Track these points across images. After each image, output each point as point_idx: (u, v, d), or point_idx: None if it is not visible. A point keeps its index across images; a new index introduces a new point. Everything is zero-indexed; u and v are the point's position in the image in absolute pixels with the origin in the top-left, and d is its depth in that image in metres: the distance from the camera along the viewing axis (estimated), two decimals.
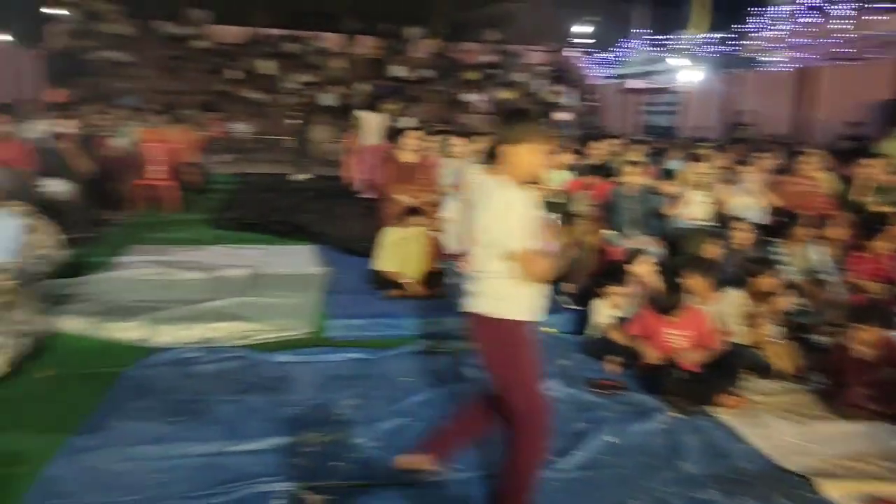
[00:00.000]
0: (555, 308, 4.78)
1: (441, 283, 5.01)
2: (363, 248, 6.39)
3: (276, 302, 4.69)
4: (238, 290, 4.93)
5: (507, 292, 2.36)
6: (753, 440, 3.17)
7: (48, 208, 4.45)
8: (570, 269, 4.82)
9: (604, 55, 23.98)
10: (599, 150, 7.29)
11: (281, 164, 14.98)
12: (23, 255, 3.51)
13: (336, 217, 8.14)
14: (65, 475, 2.58)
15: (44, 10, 22.25)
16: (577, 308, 4.69)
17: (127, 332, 4.04)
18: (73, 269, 4.77)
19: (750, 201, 5.82)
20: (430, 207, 5.49)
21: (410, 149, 5.72)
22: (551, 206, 5.05)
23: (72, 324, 4.07)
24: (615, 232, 5.41)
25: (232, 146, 16.17)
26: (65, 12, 22.54)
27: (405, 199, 5.45)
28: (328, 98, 20.40)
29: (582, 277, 5.08)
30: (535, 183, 2.33)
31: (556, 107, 21.24)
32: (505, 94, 21.53)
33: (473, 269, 2.43)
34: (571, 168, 6.46)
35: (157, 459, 2.73)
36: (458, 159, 6.19)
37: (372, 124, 10.69)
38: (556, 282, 4.97)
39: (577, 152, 7.12)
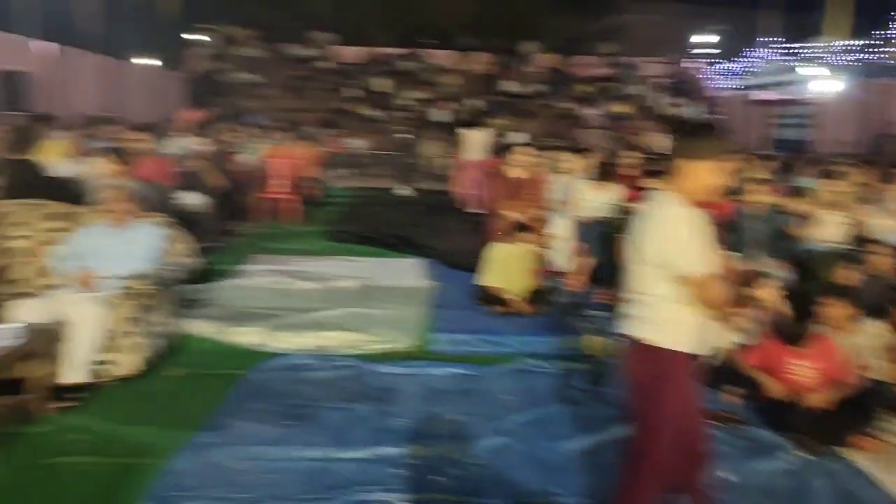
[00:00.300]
0: None
1: (547, 300, 4.95)
2: (469, 263, 6.45)
3: (383, 314, 4.81)
4: (349, 301, 5.11)
5: (671, 318, 2.20)
6: (892, 488, 2.85)
7: (183, 219, 4.84)
8: None
9: (729, 66, 22.76)
10: None
11: (393, 178, 15.47)
12: (161, 262, 3.83)
13: (444, 231, 8.27)
14: (188, 468, 2.77)
15: (187, 36, 24.37)
16: None
17: (247, 336, 4.29)
18: (202, 276, 5.14)
19: (892, 223, 5.30)
20: (537, 224, 5.44)
21: (519, 164, 5.70)
22: None
23: (199, 327, 4.38)
24: (737, 253, 5.09)
25: (348, 161, 16.86)
26: (205, 38, 24.59)
27: (512, 215, 5.43)
28: (440, 114, 20.82)
29: None
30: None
31: (675, 120, 20.43)
32: (620, 108, 21.02)
33: (636, 291, 2.29)
34: None
35: (271, 460, 2.86)
36: (567, 175, 6.10)
37: (474, 140, 10.82)
38: None
39: None
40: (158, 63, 23.34)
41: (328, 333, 4.34)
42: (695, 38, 23.85)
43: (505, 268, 4.88)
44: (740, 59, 21.84)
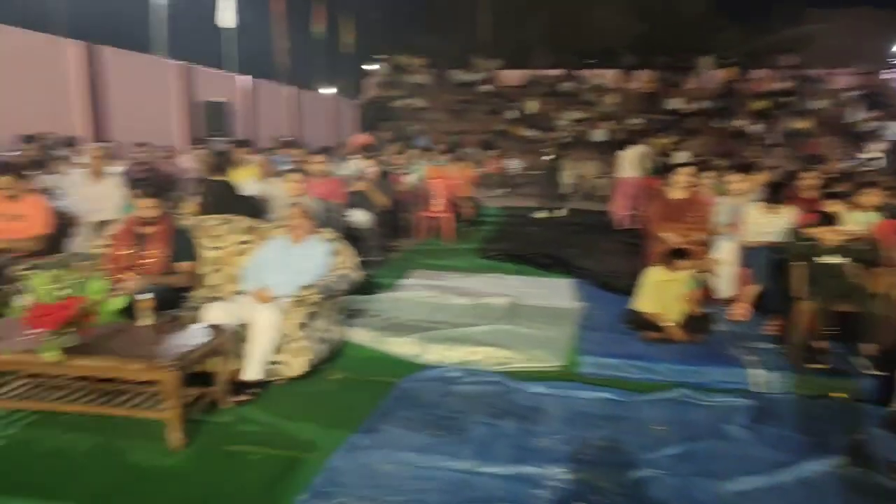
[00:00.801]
0: (848, 370, 4.12)
1: (707, 329, 4.67)
2: (623, 285, 6.26)
3: (532, 332, 4.82)
4: (498, 317, 5.19)
5: None
6: None
7: (350, 235, 5.23)
8: (874, 326, 4.10)
9: None
10: None
11: (546, 199, 15.41)
12: (329, 274, 4.18)
13: (597, 252, 8.11)
14: (343, 467, 2.98)
15: (362, 66, 26.25)
16: (880, 374, 3.97)
17: (402, 347, 4.52)
18: (364, 288, 5.51)
19: None
20: (700, 248, 5.16)
21: (681, 185, 5.46)
22: (853, 253, 4.38)
23: (359, 335, 4.69)
24: None
25: (504, 181, 17.12)
26: (377, 67, 26.32)
27: (672, 238, 5.21)
28: (598, 133, 20.46)
29: (890, 338, 4.30)
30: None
31: (869, 136, 18.34)
32: (799, 124, 19.28)
33: None
34: (881, 209, 5.52)
35: (419, 468, 2.99)
36: (735, 196, 5.73)
37: (631, 158, 10.53)
38: (852, 341, 4.28)
39: (890, 189, 6.06)
40: (335, 91, 25.39)
41: (477, 349, 4.44)
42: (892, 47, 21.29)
43: (662, 293, 4.68)
44: None
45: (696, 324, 4.59)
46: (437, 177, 9.56)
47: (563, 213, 12.05)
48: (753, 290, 5.03)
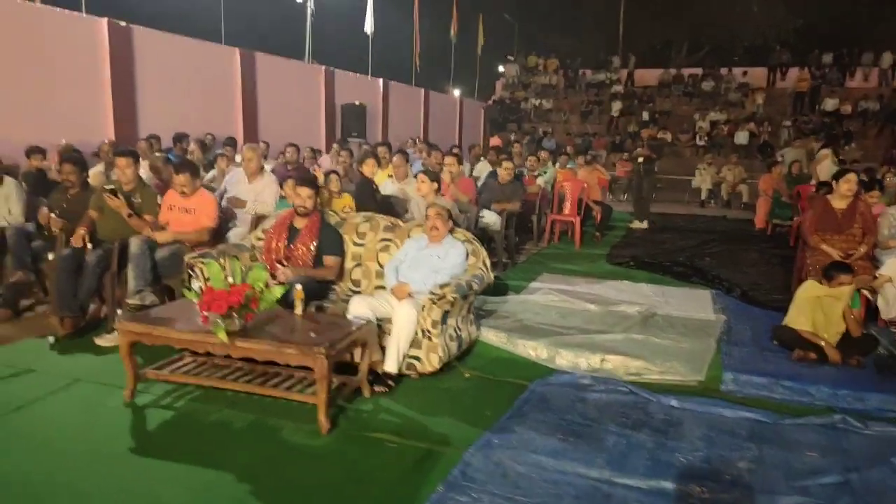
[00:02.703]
0: None
1: (869, 351, 4.27)
2: (767, 298, 5.88)
3: (666, 344, 4.66)
4: (630, 326, 5.06)
5: None
6: None
7: (482, 236, 5.31)
8: None
9: None
10: None
11: (682, 203, 14.71)
12: (463, 274, 4.28)
13: (740, 263, 7.66)
14: (478, 464, 3.04)
15: (494, 67, 26.45)
16: None
17: (532, 350, 4.53)
18: (494, 289, 5.57)
19: None
20: (864, 262, 4.73)
21: (844, 193, 5.02)
22: None
23: (490, 336, 4.76)
24: None
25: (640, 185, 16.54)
26: (506, 68, 26.41)
27: (832, 251, 4.81)
28: (742, 136, 19.26)
29: None
30: None
31: None
32: None
33: None
34: None
35: (551, 471, 2.99)
36: None
37: (785, 163, 9.87)
38: None
39: None
40: (460, 93, 25.77)
41: (610, 356, 4.35)
42: None
43: (818, 309, 4.34)
44: None
45: (857, 345, 4.22)
46: (567, 179, 9.45)
47: (643, 225, 10.66)
48: None
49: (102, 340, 4.47)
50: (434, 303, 3.94)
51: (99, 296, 4.87)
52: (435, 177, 5.72)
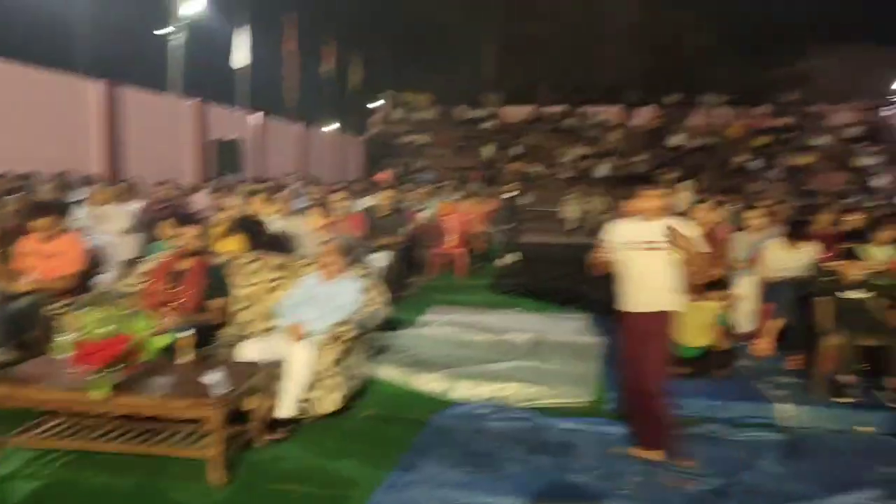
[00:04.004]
0: (872, 405, 4.16)
1: (730, 364, 4.71)
2: None
3: (556, 368, 4.86)
4: (522, 354, 5.23)
5: None
6: None
7: (373, 272, 5.29)
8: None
9: None
10: None
11: (553, 233, 15.50)
12: (360, 311, 4.24)
13: (612, 288, 8.16)
14: None
15: (370, 104, 26.69)
16: None
17: (429, 383, 4.55)
18: (386, 324, 5.56)
19: None
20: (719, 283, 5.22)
21: (699, 221, 5.54)
22: (876, 287, 4.46)
23: (385, 372, 4.73)
24: None
25: (511, 217, 17.25)
26: (382, 104, 26.77)
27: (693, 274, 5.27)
28: (602, 169, 20.71)
29: None
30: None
31: (869, 172, 18.57)
32: (800, 160, 19.55)
33: None
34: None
35: None
36: (752, 232, 5.82)
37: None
38: (878, 375, 4.33)
39: None
40: (339, 127, 25.75)
41: (504, 385, 4.47)
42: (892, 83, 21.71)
43: (687, 320, 4.70)
44: None
45: (720, 359, 4.63)
46: (450, 212, 9.68)
47: (509, 259, 10.20)
48: (776, 325, 5.08)
49: None
50: (333, 341, 3.86)
51: None
52: (326, 212, 5.65)
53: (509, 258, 10.09)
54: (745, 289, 5.39)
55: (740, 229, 6.16)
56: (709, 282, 4.82)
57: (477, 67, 29.13)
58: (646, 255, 3.32)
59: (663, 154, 21.30)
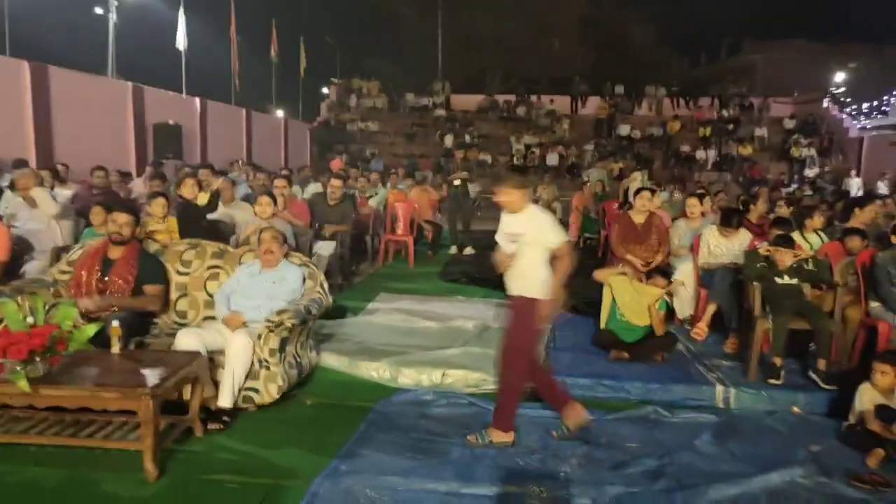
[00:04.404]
0: (803, 386, 4.33)
1: (670, 348, 4.83)
2: (585, 307, 6.41)
3: None
4: (467, 340, 5.24)
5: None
6: None
7: (316, 262, 5.21)
8: (824, 343, 4.33)
9: (871, 105, 21.38)
10: (864, 215, 6.43)
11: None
12: (301, 299, 4.15)
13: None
14: (326, 494, 2.95)
15: (318, 90, 26.21)
16: (830, 388, 4.19)
17: (374, 371, 4.51)
18: (331, 312, 5.48)
19: None
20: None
21: (642, 209, 5.66)
22: (806, 273, 4.64)
23: (329, 360, 4.66)
24: (880, 305, 4.75)
25: (461, 205, 17.26)
26: (330, 90, 26.35)
27: (636, 260, 5.38)
28: (552, 158, 20.92)
29: (840, 354, 4.55)
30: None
31: (805, 163, 19.33)
32: (741, 150, 20.21)
33: None
34: (825, 231, 5.86)
35: (402, 491, 2.98)
36: (692, 220, 5.97)
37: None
38: (806, 357, 4.51)
39: (831, 213, 6.44)
40: (284, 114, 25.24)
41: (450, 371, 4.47)
42: (828, 78, 22.62)
43: (633, 301, 4.81)
44: (888, 98, 20.42)
45: (659, 343, 4.75)
46: (399, 200, 9.61)
47: (467, 251, 9.97)
48: (711, 309, 5.23)
49: None
50: (271, 330, 3.78)
51: None
52: (270, 200, 5.51)
53: (468, 251, 9.85)
54: (685, 275, 5.53)
55: (683, 217, 6.30)
56: (652, 268, 4.94)
57: (427, 56, 28.98)
58: (512, 245, 3.42)
59: (612, 143, 21.68)
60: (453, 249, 10.05)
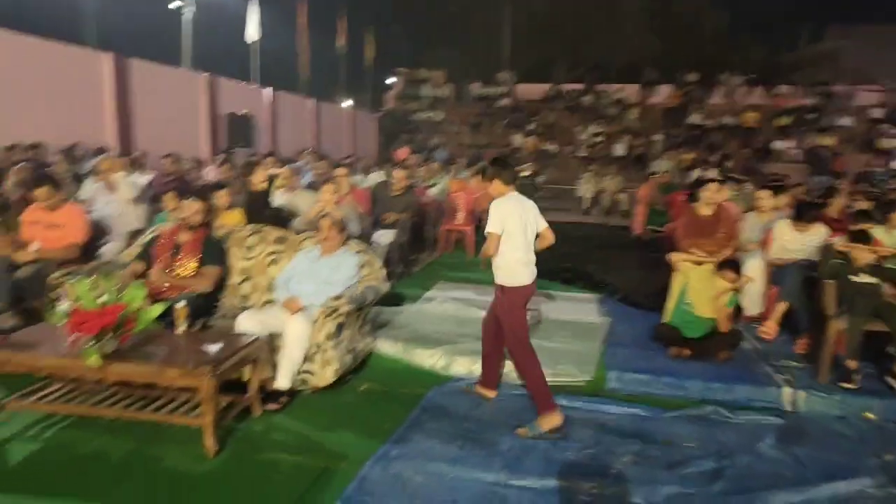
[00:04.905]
0: (878, 391, 4.08)
1: (735, 346, 4.64)
2: (645, 301, 6.25)
3: (557, 347, 4.82)
4: None
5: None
6: None
7: (373, 247, 5.27)
8: None
9: None
10: None
11: (568, 212, 15.35)
12: (357, 285, 4.22)
13: (621, 268, 8.09)
14: (376, 478, 3.00)
15: (385, 80, 26.46)
16: None
17: (428, 359, 4.54)
18: (389, 299, 5.54)
19: None
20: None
21: (707, 201, 5.44)
22: (886, 272, 4.36)
23: (385, 347, 4.72)
24: None
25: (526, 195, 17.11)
26: (396, 80, 26.55)
27: (700, 254, 5.19)
28: (619, 148, 20.43)
29: None
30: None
31: (893, 155, 18.15)
32: (823, 140, 19.14)
33: None
34: None
35: (450, 479, 3.00)
36: (763, 213, 5.70)
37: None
38: (883, 360, 4.25)
39: None
40: (352, 104, 25.61)
41: (505, 362, 4.44)
42: None
43: (703, 290, 4.64)
44: None
45: (724, 341, 4.57)
46: (460, 190, 9.59)
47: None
48: (782, 307, 4.99)
49: None
50: (328, 315, 3.85)
51: None
52: (333, 187, 5.61)
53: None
54: (754, 271, 5.29)
55: (752, 210, 6.03)
56: (722, 261, 4.75)
57: (492, 45, 28.76)
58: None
59: (683, 133, 20.96)
60: None
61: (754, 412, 3.89)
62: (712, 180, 5.60)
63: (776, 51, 25.33)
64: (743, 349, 4.76)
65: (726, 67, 23.09)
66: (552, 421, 3.50)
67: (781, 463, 3.32)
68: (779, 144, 19.46)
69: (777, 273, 5.16)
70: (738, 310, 5.08)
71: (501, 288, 3.73)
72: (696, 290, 4.66)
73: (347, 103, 25.43)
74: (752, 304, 5.40)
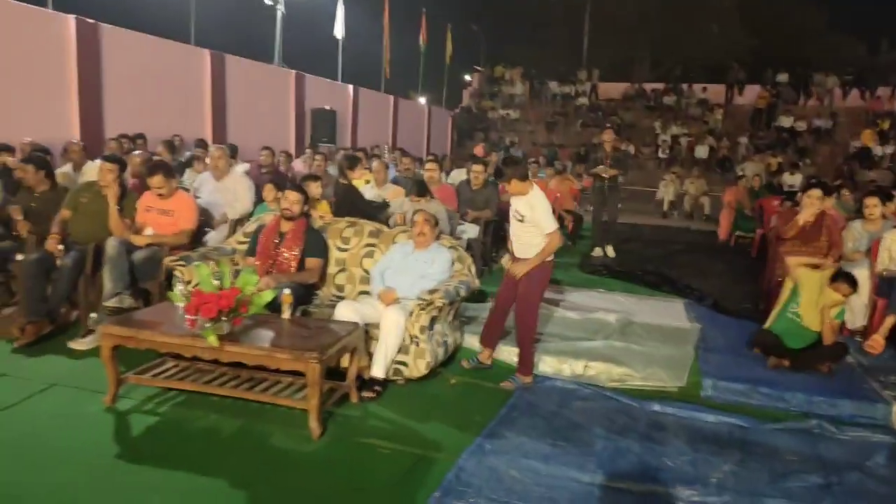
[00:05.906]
0: None
1: (840, 359, 4.44)
2: (738, 308, 6.05)
3: (646, 350, 4.75)
4: (610, 333, 5.13)
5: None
6: None
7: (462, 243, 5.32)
8: None
9: None
10: None
11: (645, 214, 14.99)
12: (450, 280, 4.29)
13: (706, 273, 7.86)
14: (472, 469, 3.05)
15: (463, 77, 26.58)
16: None
17: (515, 356, 4.55)
18: (474, 296, 5.59)
19: None
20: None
21: (809, 207, 5.21)
22: None
23: (473, 342, 4.76)
24: None
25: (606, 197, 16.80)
26: (473, 77, 26.61)
27: (800, 262, 4.98)
28: (703, 150, 19.80)
29: None
30: None
31: None
32: None
33: None
34: None
35: (543, 476, 3.02)
36: (869, 222, 5.42)
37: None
38: None
39: None
40: (427, 100, 25.82)
41: (592, 363, 4.42)
42: None
43: (814, 298, 4.46)
44: None
45: (829, 352, 4.38)
46: (540, 189, 9.52)
47: (608, 253, 8.85)
48: (890, 321, 4.73)
49: (77, 344, 4.33)
50: (423, 308, 3.94)
51: (68, 299, 4.70)
52: (421, 184, 5.71)
53: (609, 251, 8.93)
54: (859, 282, 5.03)
55: (857, 218, 5.74)
56: (837, 272, 4.55)
57: (571, 42, 28.37)
58: (517, 223, 4.26)
59: (770, 136, 20.09)
60: (597, 251, 9.06)
61: (861, 428, 3.72)
62: (817, 185, 5.36)
63: (877, 51, 23.84)
64: (846, 363, 4.56)
65: (821, 67, 21.93)
66: (527, 379, 4.16)
67: (893, 482, 3.16)
68: (878, 150, 18.36)
69: (885, 285, 4.90)
70: (841, 323, 4.85)
71: (541, 264, 4.16)
72: (807, 299, 4.47)
73: (423, 100, 25.68)
74: (856, 316, 5.15)
